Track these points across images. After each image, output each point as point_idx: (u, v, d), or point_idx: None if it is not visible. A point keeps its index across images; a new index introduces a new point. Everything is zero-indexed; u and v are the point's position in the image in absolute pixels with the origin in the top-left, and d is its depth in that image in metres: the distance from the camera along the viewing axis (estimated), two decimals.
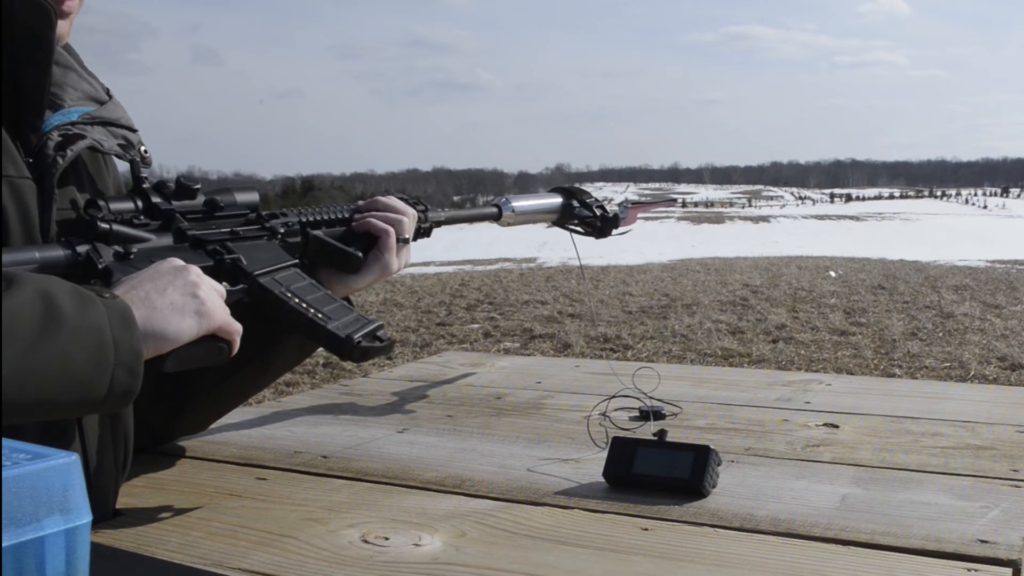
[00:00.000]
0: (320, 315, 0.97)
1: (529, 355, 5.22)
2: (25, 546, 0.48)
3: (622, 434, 1.16)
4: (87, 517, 0.51)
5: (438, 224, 1.28)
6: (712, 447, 0.95)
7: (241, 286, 0.95)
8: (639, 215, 1.63)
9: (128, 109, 0.97)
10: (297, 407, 1.41)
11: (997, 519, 0.86)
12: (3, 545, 0.47)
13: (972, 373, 5.38)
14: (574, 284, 10.44)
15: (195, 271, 0.84)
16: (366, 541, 0.82)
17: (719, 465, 0.96)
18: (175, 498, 0.96)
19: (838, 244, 17.72)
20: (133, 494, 0.97)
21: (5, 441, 0.51)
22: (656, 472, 0.95)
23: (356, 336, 0.95)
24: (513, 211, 1.38)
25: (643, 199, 1.71)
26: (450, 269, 12.87)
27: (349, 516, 0.89)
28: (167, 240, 0.91)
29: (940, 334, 6.67)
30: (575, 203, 1.49)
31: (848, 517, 0.87)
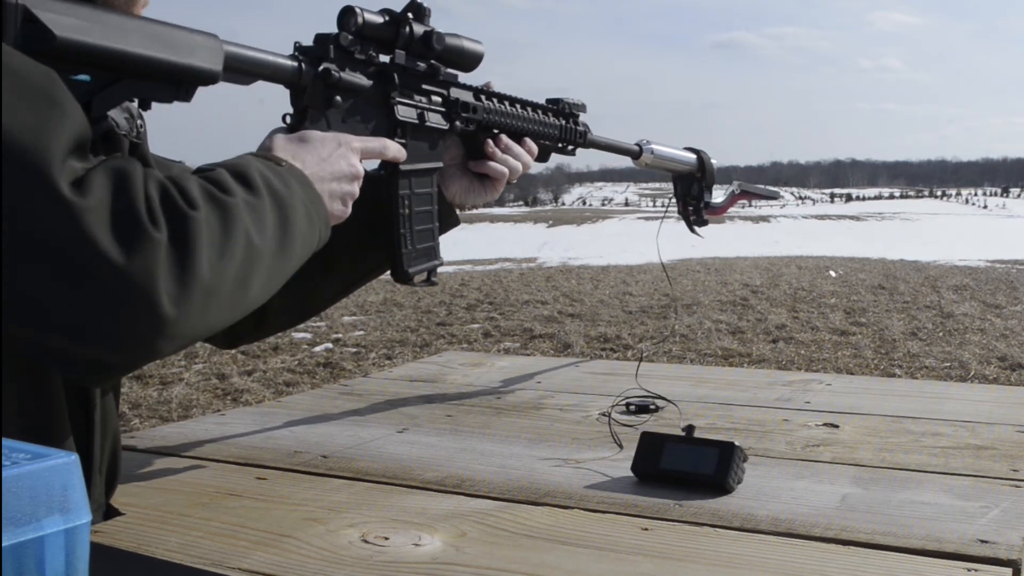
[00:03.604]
0: (408, 235, 1.08)
1: (529, 355, 5.22)
2: (25, 546, 0.48)
3: (624, 431, 1.16)
4: (87, 517, 0.51)
5: (584, 147, 1.33)
6: (737, 444, 0.96)
7: (380, 174, 1.06)
8: (735, 204, 1.66)
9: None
10: (297, 407, 1.41)
11: (997, 519, 0.86)
12: (3, 545, 0.47)
13: (972, 373, 5.38)
14: (573, 284, 10.44)
15: (356, 184, 0.93)
16: (366, 541, 0.82)
17: (744, 461, 0.97)
18: (175, 498, 0.96)
19: (838, 244, 17.72)
20: (133, 494, 0.97)
21: (5, 441, 0.51)
22: (682, 467, 0.96)
23: (412, 270, 1.09)
24: (652, 153, 1.43)
25: (750, 189, 1.71)
26: (450, 269, 12.88)
27: (349, 516, 0.89)
28: (375, 98, 1.00)
29: (940, 334, 6.67)
30: (698, 176, 1.53)
31: (848, 517, 0.87)
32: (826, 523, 0.85)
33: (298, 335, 6.79)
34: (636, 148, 1.41)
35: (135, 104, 0.93)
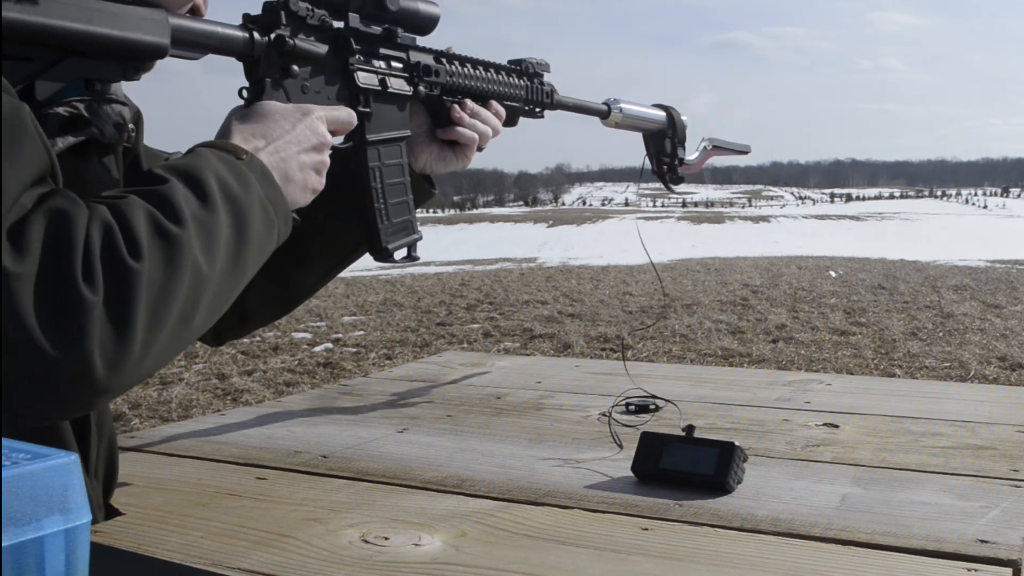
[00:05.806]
0: (383, 209, 1.05)
1: (529, 355, 5.22)
2: (25, 546, 0.48)
3: (624, 432, 1.16)
4: (87, 517, 0.51)
5: (552, 108, 1.31)
6: (737, 443, 0.96)
7: (349, 145, 1.03)
8: (708, 160, 1.65)
9: (146, 112, 0.95)
10: (297, 407, 1.41)
11: (997, 519, 0.85)
12: (3, 545, 0.47)
13: (972, 373, 5.38)
14: (573, 284, 10.44)
15: (327, 153, 0.91)
16: (366, 541, 0.82)
17: (744, 461, 0.97)
18: (175, 498, 0.96)
19: (838, 244, 17.73)
20: (133, 494, 0.97)
21: (5, 441, 0.51)
22: (682, 468, 0.96)
23: (392, 246, 1.07)
24: (621, 112, 1.40)
25: (721, 144, 1.69)
26: (450, 269, 12.88)
27: (349, 516, 0.89)
28: (333, 65, 0.96)
29: (940, 334, 6.67)
30: (669, 133, 1.51)
31: (848, 517, 0.87)
32: (826, 523, 0.85)
33: (298, 335, 6.79)
34: (604, 108, 1.37)
35: (127, 109, 0.91)
